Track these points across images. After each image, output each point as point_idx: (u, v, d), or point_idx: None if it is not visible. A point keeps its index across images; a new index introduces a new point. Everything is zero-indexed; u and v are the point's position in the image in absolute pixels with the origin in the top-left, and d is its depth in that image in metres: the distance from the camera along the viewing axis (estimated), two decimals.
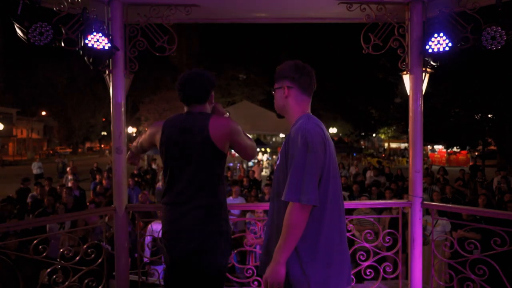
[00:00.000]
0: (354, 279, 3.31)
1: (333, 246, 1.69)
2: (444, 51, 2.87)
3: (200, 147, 2.02)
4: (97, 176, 12.31)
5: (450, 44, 2.85)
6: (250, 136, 2.27)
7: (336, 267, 1.69)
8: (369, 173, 12.53)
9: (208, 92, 2.15)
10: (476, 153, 23.68)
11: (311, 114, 1.85)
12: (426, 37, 2.96)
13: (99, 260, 3.10)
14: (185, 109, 2.19)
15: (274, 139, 48.57)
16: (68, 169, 13.93)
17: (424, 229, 4.17)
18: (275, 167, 1.83)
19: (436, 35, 2.87)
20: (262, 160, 22.47)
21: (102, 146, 53.70)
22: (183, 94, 2.14)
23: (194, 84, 2.11)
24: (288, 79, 1.84)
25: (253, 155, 2.24)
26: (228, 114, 2.35)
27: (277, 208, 1.77)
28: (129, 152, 2.61)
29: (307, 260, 1.65)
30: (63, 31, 2.72)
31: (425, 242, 3.57)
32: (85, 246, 3.01)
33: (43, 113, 46.91)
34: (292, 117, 1.85)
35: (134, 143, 2.49)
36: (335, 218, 1.72)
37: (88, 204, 7.90)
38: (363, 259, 3.23)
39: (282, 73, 1.87)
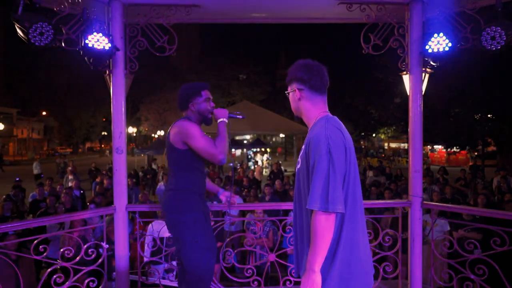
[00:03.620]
0: None
1: (352, 250, 1.65)
2: (444, 51, 2.87)
3: (167, 146, 2.56)
4: (98, 176, 12.29)
5: (450, 44, 2.85)
6: (223, 142, 2.48)
7: (354, 273, 1.64)
8: (369, 173, 12.51)
9: (183, 101, 2.59)
10: (476, 153, 23.67)
11: (330, 113, 1.81)
12: (426, 37, 2.96)
13: (99, 260, 3.11)
14: None
15: (274, 139, 48.59)
16: (68, 169, 13.91)
17: (423, 229, 4.17)
18: (296, 169, 1.84)
19: (436, 35, 2.87)
20: (262, 160, 22.50)
21: (103, 146, 53.66)
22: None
23: (177, 97, 2.65)
24: (298, 81, 1.80)
25: (209, 158, 2.45)
26: (223, 119, 2.54)
27: (298, 210, 1.79)
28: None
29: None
30: (64, 31, 2.73)
31: (423, 242, 3.57)
32: (85, 246, 3.02)
33: (44, 113, 46.88)
34: (309, 118, 1.82)
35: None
36: (354, 223, 1.67)
37: (88, 204, 7.89)
38: None
39: (292, 76, 1.84)
